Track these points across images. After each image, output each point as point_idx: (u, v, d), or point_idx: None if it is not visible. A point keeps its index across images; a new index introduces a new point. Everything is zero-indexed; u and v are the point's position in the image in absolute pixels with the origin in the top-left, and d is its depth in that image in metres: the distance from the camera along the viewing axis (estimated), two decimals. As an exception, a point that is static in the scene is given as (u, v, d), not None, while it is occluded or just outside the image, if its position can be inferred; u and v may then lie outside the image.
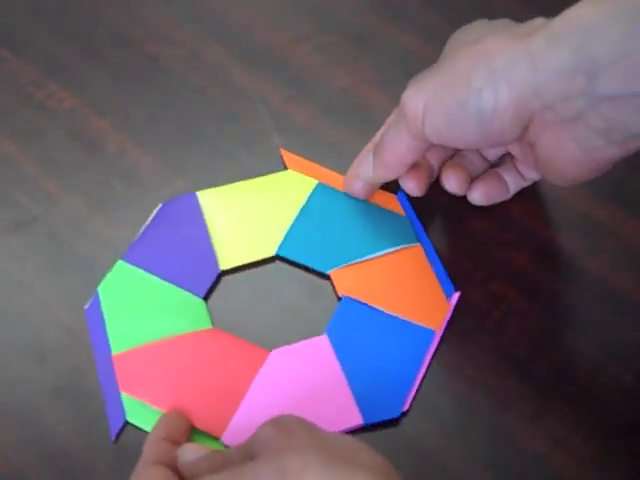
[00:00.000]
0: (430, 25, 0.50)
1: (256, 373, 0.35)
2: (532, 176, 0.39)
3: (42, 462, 0.34)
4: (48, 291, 0.39)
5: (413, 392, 0.35)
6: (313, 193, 0.41)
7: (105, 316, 0.37)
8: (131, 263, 0.38)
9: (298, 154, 0.44)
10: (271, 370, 0.35)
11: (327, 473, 0.24)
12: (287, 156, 0.43)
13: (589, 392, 0.36)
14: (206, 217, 0.40)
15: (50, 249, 0.40)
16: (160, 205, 0.40)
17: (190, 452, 0.30)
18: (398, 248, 0.39)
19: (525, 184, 0.40)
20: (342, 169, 0.43)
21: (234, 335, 0.37)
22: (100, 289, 0.38)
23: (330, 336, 0.36)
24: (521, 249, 0.40)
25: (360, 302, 0.37)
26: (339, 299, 0.38)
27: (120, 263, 0.38)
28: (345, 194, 0.41)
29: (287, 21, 0.50)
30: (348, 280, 0.38)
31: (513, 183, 0.39)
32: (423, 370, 0.36)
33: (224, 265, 0.38)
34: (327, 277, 0.39)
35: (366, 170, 0.38)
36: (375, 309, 0.37)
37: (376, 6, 0.51)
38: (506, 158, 0.39)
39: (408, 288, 0.38)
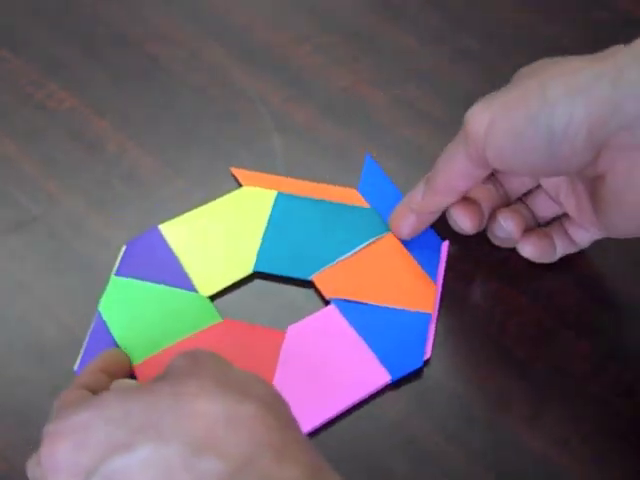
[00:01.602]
0: (430, 25, 0.50)
1: (279, 353, 0.36)
2: (582, 241, 0.38)
3: (42, 462, 0.34)
4: (48, 291, 0.39)
5: (431, 340, 0.36)
6: (275, 204, 0.40)
7: (113, 333, 0.36)
8: (125, 275, 0.38)
9: (298, 154, 0.44)
10: (292, 347, 0.36)
11: (219, 398, 0.26)
12: (239, 173, 0.42)
13: (589, 392, 0.36)
14: (174, 249, 0.39)
15: (50, 249, 0.40)
16: (124, 246, 0.39)
17: (122, 385, 0.31)
18: (373, 240, 0.39)
19: (572, 250, 0.38)
20: (342, 169, 0.43)
21: (246, 323, 0.37)
22: (101, 308, 0.37)
23: (337, 305, 0.37)
24: (521, 249, 0.40)
25: (351, 301, 0.37)
26: (327, 302, 0.38)
27: (114, 278, 0.38)
28: (307, 199, 0.41)
29: (287, 21, 0.50)
30: (332, 282, 0.38)
31: (561, 246, 0.38)
32: (434, 320, 0.37)
33: (205, 292, 0.38)
34: (310, 283, 0.39)
35: (416, 196, 0.37)
36: (367, 304, 0.37)
37: (376, 6, 0.51)
38: (556, 222, 0.38)
39: (392, 277, 0.38)
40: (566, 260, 0.39)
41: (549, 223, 0.39)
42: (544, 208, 0.39)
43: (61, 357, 0.37)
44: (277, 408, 0.27)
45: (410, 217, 0.38)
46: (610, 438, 0.34)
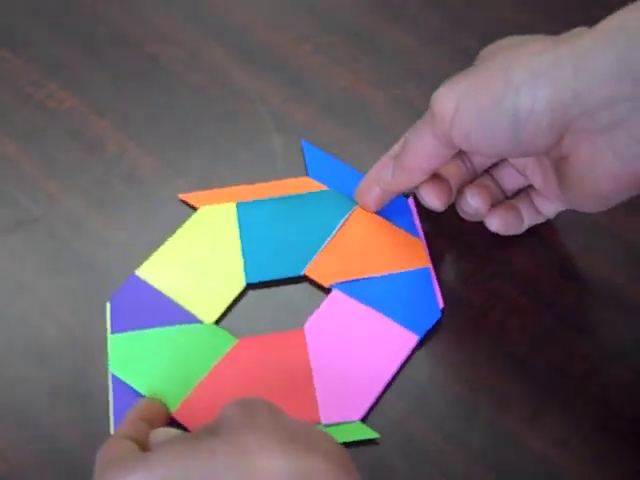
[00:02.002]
0: (430, 25, 0.50)
1: (307, 352, 0.36)
2: (547, 212, 0.39)
3: (42, 462, 0.34)
4: (48, 291, 0.39)
5: (439, 290, 0.38)
6: (239, 215, 0.40)
7: (139, 389, 0.35)
8: (122, 331, 0.37)
9: (298, 154, 0.44)
10: (316, 342, 0.36)
11: (281, 455, 0.25)
12: (188, 197, 0.41)
13: (589, 392, 0.36)
14: (161, 289, 0.38)
15: (50, 249, 0.40)
16: (108, 304, 0.38)
17: (163, 434, 0.30)
18: (345, 218, 0.40)
19: (538, 220, 0.39)
20: (342, 169, 0.43)
21: (262, 334, 0.37)
22: (113, 370, 0.36)
23: (340, 288, 0.38)
24: (521, 249, 0.40)
25: (350, 280, 0.38)
26: (327, 290, 0.38)
27: (112, 337, 0.37)
28: (267, 200, 0.41)
29: (287, 21, 0.50)
30: (325, 269, 0.38)
31: (528, 217, 0.39)
32: (433, 270, 0.39)
33: (209, 319, 0.37)
34: (302, 278, 0.39)
35: (386, 175, 0.37)
36: (366, 278, 0.38)
37: (376, 6, 0.51)
38: (522, 193, 0.39)
39: (378, 245, 0.39)
40: (565, 259, 0.39)
41: (516, 194, 0.40)
42: (510, 180, 0.39)
43: (61, 357, 0.37)
44: (342, 461, 0.26)
45: (375, 191, 0.39)
46: (610, 438, 0.34)
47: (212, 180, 0.43)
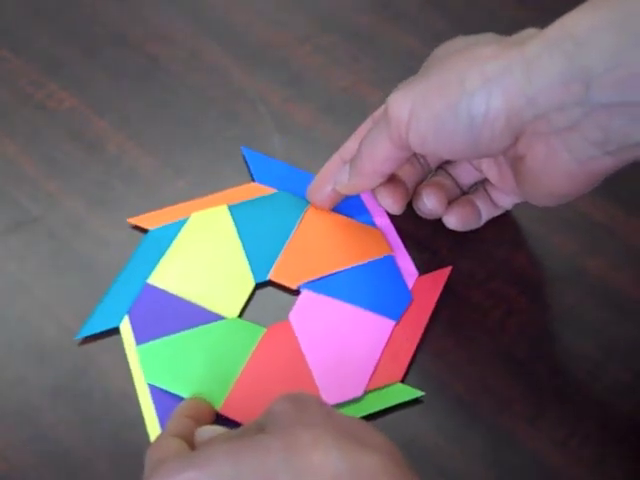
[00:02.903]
0: (430, 25, 0.50)
1: (297, 341, 0.36)
2: (505, 204, 0.39)
3: (42, 462, 0.34)
4: (48, 291, 0.39)
5: (414, 270, 0.39)
6: (233, 217, 0.40)
7: (180, 393, 0.35)
8: (148, 340, 0.37)
9: (298, 154, 0.44)
10: (303, 334, 0.36)
11: (336, 450, 0.25)
12: (138, 220, 0.41)
13: (589, 392, 0.36)
14: (176, 293, 0.38)
15: (50, 249, 0.40)
16: (126, 316, 0.37)
17: (209, 432, 0.30)
18: (301, 217, 0.40)
19: (496, 213, 0.39)
20: (342, 169, 0.43)
21: (283, 321, 0.37)
22: (149, 380, 0.35)
23: (308, 288, 0.38)
24: (521, 249, 0.40)
25: (316, 279, 0.38)
26: (296, 292, 0.38)
27: (139, 348, 0.36)
28: (247, 203, 0.41)
29: (287, 21, 0.50)
30: (289, 272, 0.38)
31: (485, 211, 0.39)
32: (407, 256, 0.39)
33: (231, 314, 0.37)
34: (267, 283, 0.39)
35: (342, 178, 0.37)
36: (333, 274, 0.38)
37: (376, 6, 0.51)
38: (479, 186, 0.39)
39: (338, 240, 0.39)
40: (565, 259, 0.39)
41: (472, 186, 0.40)
42: (466, 175, 0.39)
43: (61, 357, 0.37)
44: (397, 457, 0.26)
45: (328, 189, 0.39)
46: (610, 438, 0.34)
47: (212, 180, 0.43)
